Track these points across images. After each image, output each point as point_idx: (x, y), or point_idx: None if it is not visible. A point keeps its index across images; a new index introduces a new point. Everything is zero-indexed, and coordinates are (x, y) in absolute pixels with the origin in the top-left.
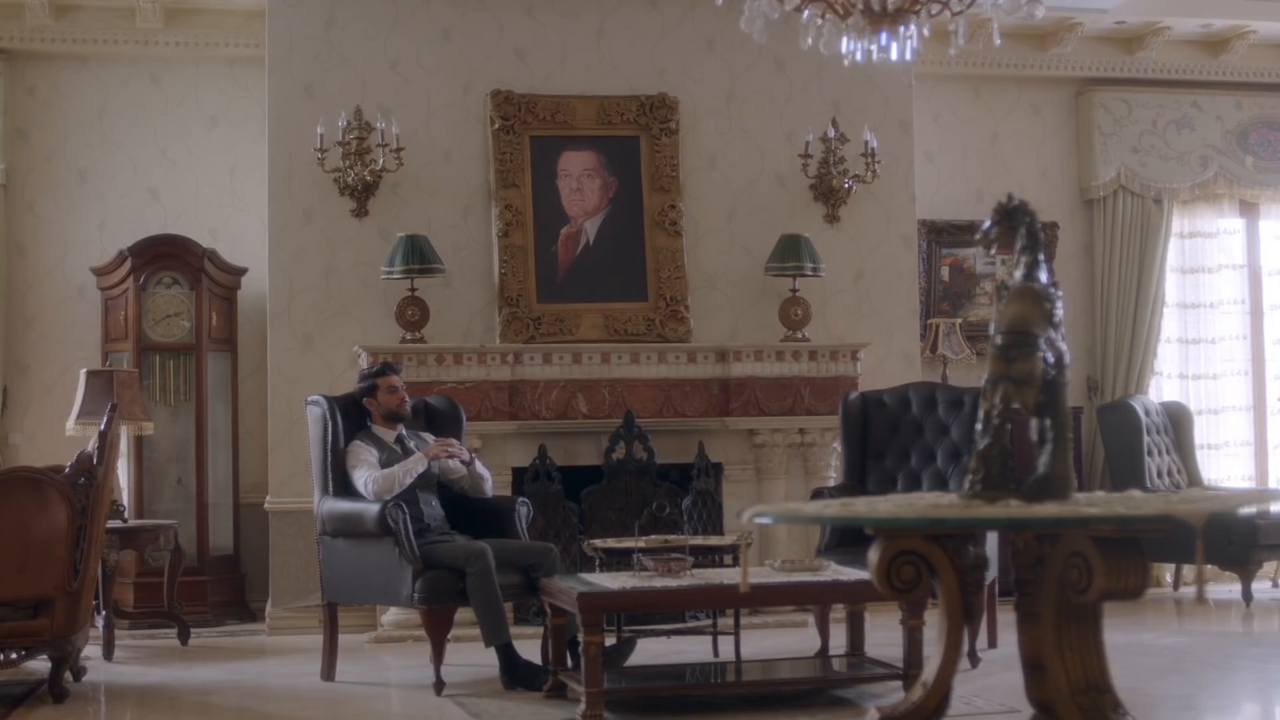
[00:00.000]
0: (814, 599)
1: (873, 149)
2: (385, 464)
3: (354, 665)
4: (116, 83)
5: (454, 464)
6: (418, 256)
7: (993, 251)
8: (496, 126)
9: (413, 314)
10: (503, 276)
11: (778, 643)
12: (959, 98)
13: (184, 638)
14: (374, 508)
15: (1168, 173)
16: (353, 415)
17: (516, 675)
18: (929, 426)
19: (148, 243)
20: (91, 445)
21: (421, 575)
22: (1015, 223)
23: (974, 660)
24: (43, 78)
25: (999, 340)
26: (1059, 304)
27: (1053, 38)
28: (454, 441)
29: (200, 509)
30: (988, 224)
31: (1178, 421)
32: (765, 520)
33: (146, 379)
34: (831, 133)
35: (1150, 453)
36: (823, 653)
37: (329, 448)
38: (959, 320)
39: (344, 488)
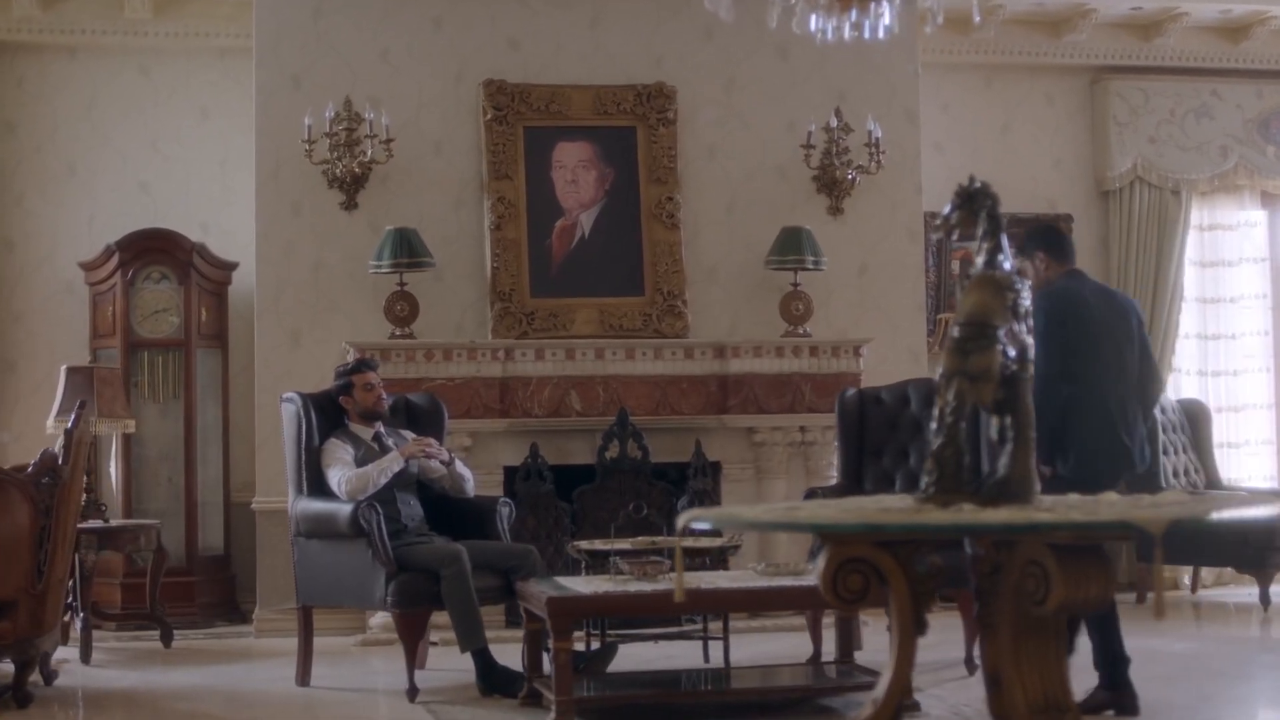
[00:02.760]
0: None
1: (877, 139)
2: (361, 462)
3: (335, 669)
4: (106, 74)
5: (434, 464)
6: (406, 250)
7: (954, 238)
8: (489, 117)
9: (401, 309)
10: (495, 270)
11: (773, 647)
12: (969, 87)
13: (167, 640)
14: (346, 508)
15: (1186, 163)
16: (329, 413)
17: (493, 681)
18: (928, 424)
19: (135, 237)
20: (59, 445)
21: (395, 578)
22: (976, 206)
23: (970, 667)
24: (31, 69)
25: (955, 332)
26: (1024, 293)
27: (1067, 24)
28: (432, 441)
29: (189, 508)
30: (948, 208)
31: (1195, 420)
32: (703, 526)
33: (135, 376)
34: (834, 122)
35: (1166, 452)
36: (814, 659)
37: (303, 446)
38: None
39: (318, 487)
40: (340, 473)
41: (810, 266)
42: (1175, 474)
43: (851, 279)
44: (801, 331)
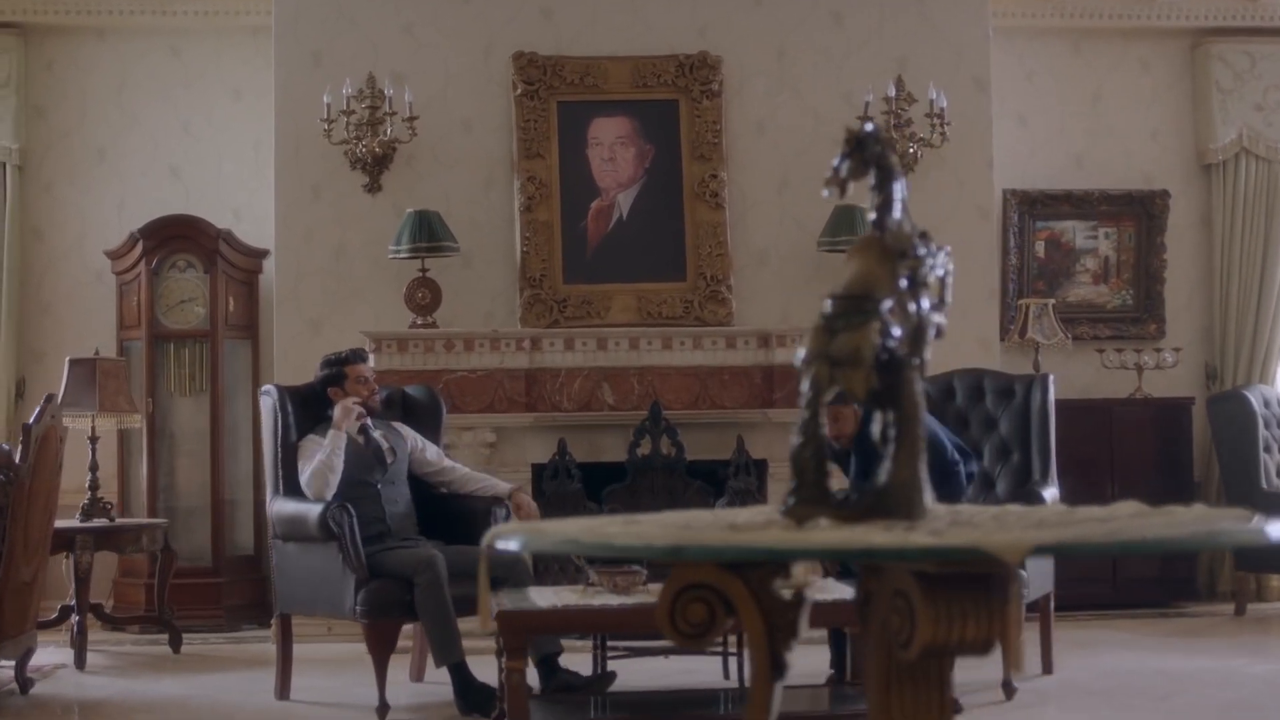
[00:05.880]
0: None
1: (940, 109)
2: (348, 460)
3: (331, 680)
4: (135, 55)
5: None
6: (426, 234)
7: (846, 195)
8: (519, 92)
9: (423, 296)
10: (524, 255)
11: (803, 663)
12: (1056, 53)
13: (176, 644)
14: (316, 509)
15: None
16: (311, 406)
17: (471, 699)
18: (975, 419)
19: (159, 224)
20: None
21: (365, 585)
22: (867, 155)
23: (1009, 691)
24: (60, 52)
25: (826, 307)
26: (932, 260)
27: None
28: (358, 401)
29: (216, 506)
30: (838, 159)
31: None
32: (510, 545)
33: (161, 368)
34: (893, 92)
35: (1269, 449)
36: (833, 679)
37: (279, 442)
38: (1052, 301)
39: (295, 486)
40: (306, 471)
41: None
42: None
43: None
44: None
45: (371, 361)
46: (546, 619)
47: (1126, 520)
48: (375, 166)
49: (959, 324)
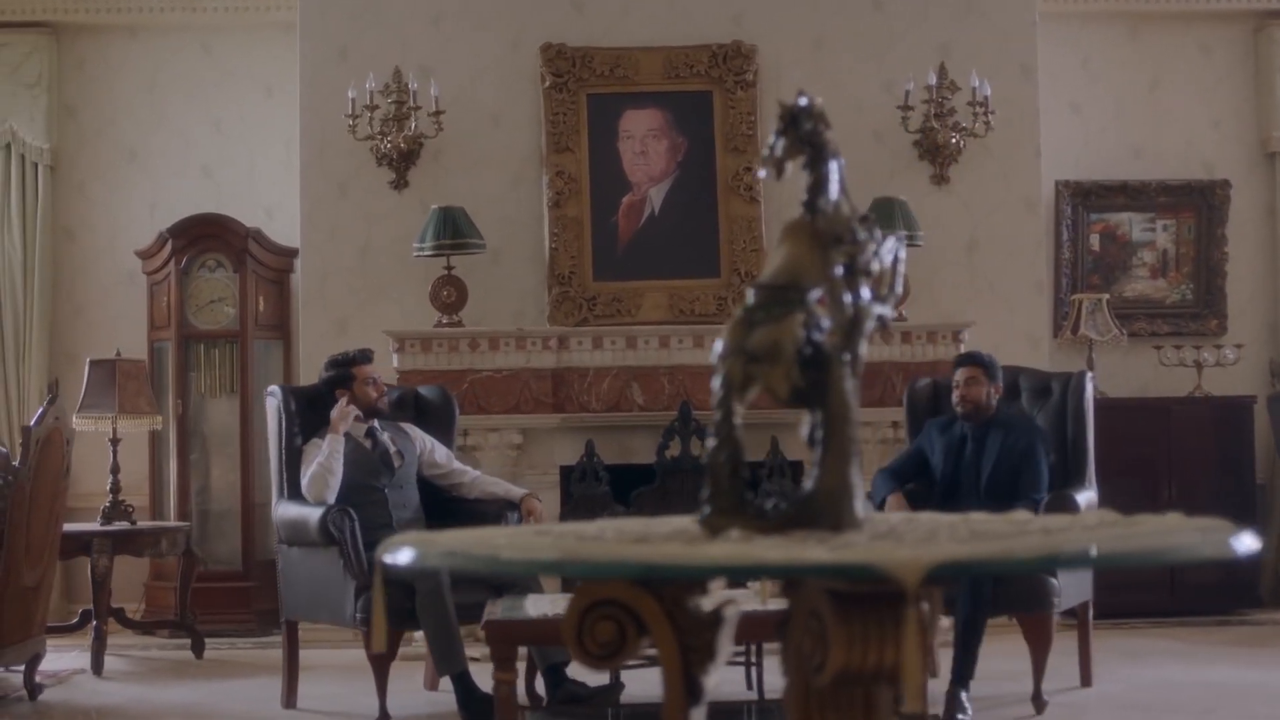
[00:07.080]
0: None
1: (984, 97)
2: (352, 464)
3: (342, 688)
4: (167, 53)
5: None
6: (450, 231)
7: (783, 176)
8: (548, 84)
9: (448, 295)
10: (553, 252)
11: None
12: (1112, 39)
13: (198, 650)
14: (317, 513)
15: None
16: (319, 408)
17: (474, 710)
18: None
19: (188, 223)
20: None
21: (365, 592)
22: (800, 133)
23: (1039, 705)
24: (91, 51)
25: (749, 298)
26: (874, 248)
27: None
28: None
29: (246, 509)
30: (773, 137)
31: None
32: (400, 558)
33: (191, 369)
34: (934, 80)
35: None
36: None
37: (283, 445)
38: (1106, 296)
39: (299, 490)
40: (305, 473)
41: (905, 242)
42: None
43: (959, 256)
44: (898, 315)
45: (395, 362)
46: (536, 629)
47: (1077, 532)
48: (401, 163)
49: (1008, 320)
